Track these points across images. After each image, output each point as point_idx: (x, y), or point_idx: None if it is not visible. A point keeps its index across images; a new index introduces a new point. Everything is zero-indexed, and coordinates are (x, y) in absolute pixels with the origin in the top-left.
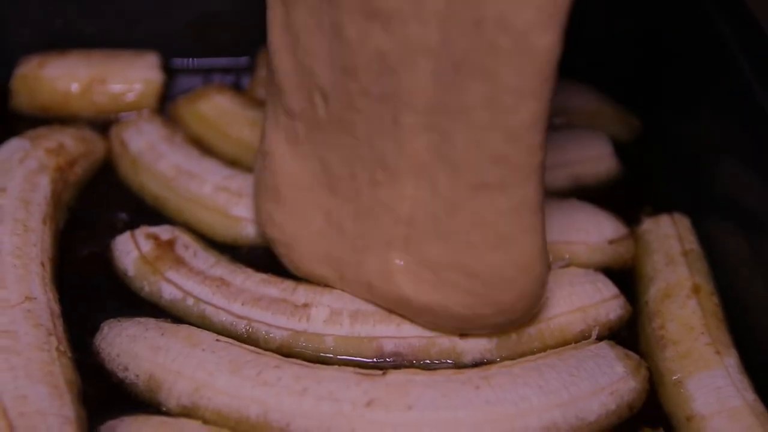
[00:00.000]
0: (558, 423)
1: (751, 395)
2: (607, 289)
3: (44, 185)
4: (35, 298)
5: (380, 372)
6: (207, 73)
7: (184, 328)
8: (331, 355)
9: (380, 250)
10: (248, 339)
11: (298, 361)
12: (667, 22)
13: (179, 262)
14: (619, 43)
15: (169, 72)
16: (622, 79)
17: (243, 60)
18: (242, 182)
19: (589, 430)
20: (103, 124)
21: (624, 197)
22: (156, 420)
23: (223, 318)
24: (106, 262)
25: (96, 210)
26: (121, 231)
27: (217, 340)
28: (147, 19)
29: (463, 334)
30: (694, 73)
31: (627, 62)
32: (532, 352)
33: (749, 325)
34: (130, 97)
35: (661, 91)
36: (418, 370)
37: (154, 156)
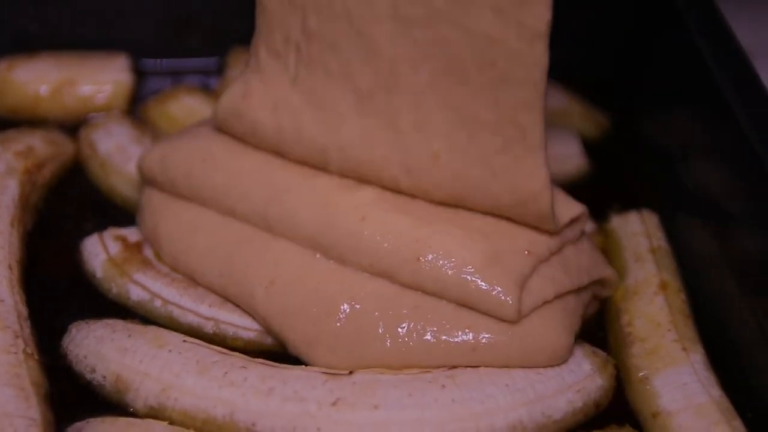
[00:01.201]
0: (524, 421)
1: (717, 391)
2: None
3: (12, 188)
4: (2, 301)
5: (346, 371)
6: (176, 74)
7: (152, 330)
8: None
9: None
10: (215, 340)
11: (265, 361)
12: (638, 20)
13: (147, 264)
14: (589, 40)
15: (139, 73)
16: (590, 77)
17: (212, 61)
18: None
19: (556, 428)
20: (73, 127)
21: (592, 195)
22: (122, 421)
23: (190, 319)
24: (74, 264)
25: (65, 212)
26: (89, 233)
27: (184, 341)
28: (117, 21)
29: None
30: (663, 71)
31: (595, 60)
32: None
33: (717, 322)
34: (100, 99)
35: (631, 88)
36: (385, 369)
37: (123, 158)
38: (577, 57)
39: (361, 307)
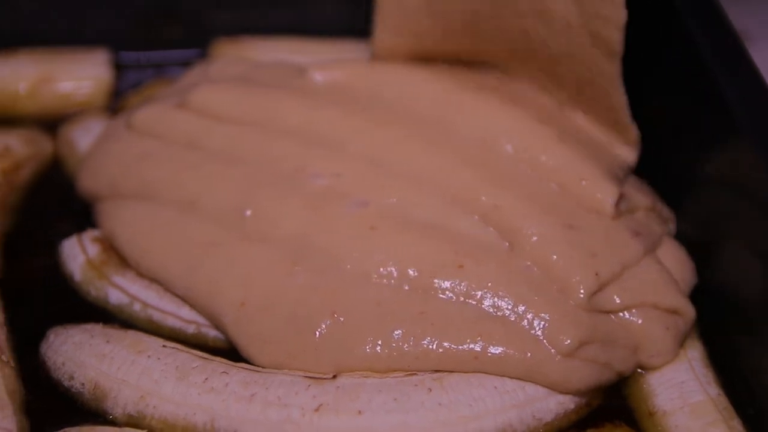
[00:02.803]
0: (514, 424)
1: (714, 389)
2: None
3: None
4: None
5: (330, 375)
6: (158, 66)
7: (131, 335)
8: None
9: None
10: (197, 342)
11: (247, 366)
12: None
13: (126, 266)
14: None
15: (119, 67)
16: None
17: (193, 53)
18: None
19: (547, 431)
20: (53, 124)
21: None
22: (100, 430)
23: (170, 322)
24: (53, 267)
25: (43, 213)
26: (68, 234)
27: (164, 345)
28: (95, 13)
29: None
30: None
31: None
32: None
33: (716, 316)
34: (80, 95)
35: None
36: (369, 373)
37: None
38: None
39: (346, 318)
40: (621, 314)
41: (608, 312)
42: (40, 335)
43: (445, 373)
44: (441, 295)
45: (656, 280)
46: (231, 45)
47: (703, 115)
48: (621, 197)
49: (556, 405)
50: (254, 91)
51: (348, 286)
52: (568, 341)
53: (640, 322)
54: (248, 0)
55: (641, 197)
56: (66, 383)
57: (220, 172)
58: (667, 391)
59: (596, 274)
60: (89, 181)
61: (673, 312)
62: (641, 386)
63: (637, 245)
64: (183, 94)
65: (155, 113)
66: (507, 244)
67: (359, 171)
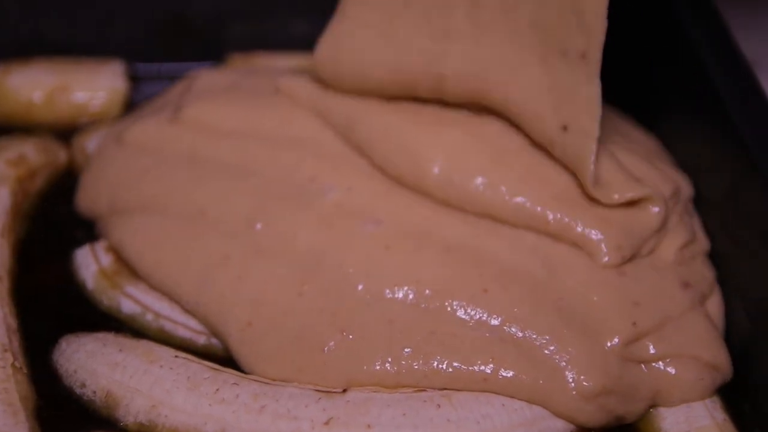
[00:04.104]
0: None
1: (720, 415)
2: None
3: (4, 197)
4: None
5: (340, 390)
6: (172, 79)
7: (143, 344)
8: None
9: None
10: (208, 353)
11: (258, 378)
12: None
13: (138, 277)
14: None
15: (134, 78)
16: None
17: (208, 65)
18: None
19: None
20: (67, 133)
21: None
22: None
23: (181, 333)
24: (66, 275)
25: (57, 221)
26: (81, 243)
27: (176, 356)
28: (111, 24)
29: None
30: (666, 83)
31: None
32: None
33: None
34: (94, 105)
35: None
36: (379, 388)
37: None
38: None
39: (355, 336)
40: (654, 363)
41: (640, 361)
42: (52, 342)
43: (454, 390)
44: (457, 317)
45: (700, 333)
46: (246, 59)
47: (718, 150)
48: (686, 244)
49: (563, 424)
50: (250, 102)
51: (359, 306)
52: (591, 386)
53: (672, 371)
54: (264, 13)
55: (703, 241)
56: (78, 391)
57: (227, 184)
58: (673, 415)
59: (634, 324)
60: (87, 201)
61: (712, 367)
62: (648, 410)
63: (684, 298)
64: (171, 108)
65: (149, 129)
66: (545, 272)
67: (371, 184)
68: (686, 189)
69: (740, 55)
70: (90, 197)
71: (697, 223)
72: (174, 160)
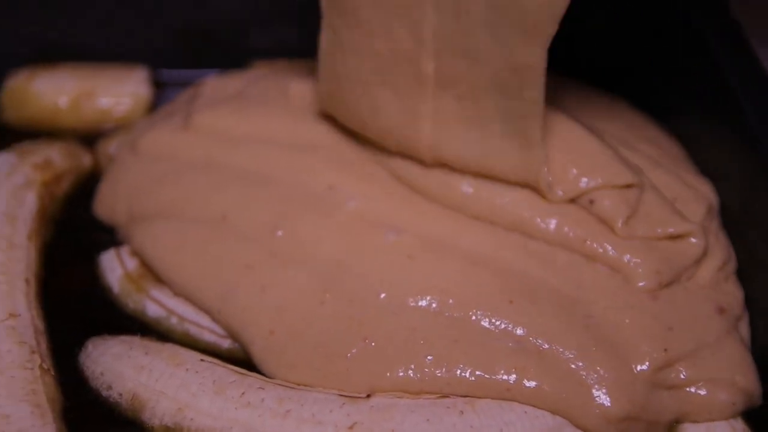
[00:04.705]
0: None
1: (740, 425)
2: None
3: (30, 201)
4: (19, 315)
5: (364, 395)
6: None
7: (169, 347)
8: None
9: None
10: (230, 357)
11: (283, 383)
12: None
13: (163, 281)
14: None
15: (158, 84)
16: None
17: (231, 72)
18: None
19: None
20: (92, 138)
21: None
22: None
23: (206, 337)
24: (91, 278)
25: (82, 225)
26: (106, 246)
27: (202, 360)
28: (137, 31)
29: None
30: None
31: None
32: None
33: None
34: (119, 111)
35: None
36: (403, 393)
37: None
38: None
39: (378, 344)
40: (685, 388)
41: (670, 387)
42: (78, 345)
43: (477, 397)
44: (481, 326)
45: (735, 358)
46: (268, 66)
47: (740, 163)
48: (722, 266)
49: None
50: (261, 109)
51: (381, 314)
52: (615, 410)
53: (704, 393)
54: (286, 21)
55: (734, 258)
56: (104, 393)
57: (246, 191)
58: (694, 426)
59: (665, 351)
60: (106, 209)
61: (745, 392)
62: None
63: (720, 324)
64: (181, 115)
65: (163, 137)
66: (575, 290)
67: (390, 193)
68: (714, 201)
69: (758, 63)
70: (108, 205)
71: (726, 237)
72: (190, 166)
